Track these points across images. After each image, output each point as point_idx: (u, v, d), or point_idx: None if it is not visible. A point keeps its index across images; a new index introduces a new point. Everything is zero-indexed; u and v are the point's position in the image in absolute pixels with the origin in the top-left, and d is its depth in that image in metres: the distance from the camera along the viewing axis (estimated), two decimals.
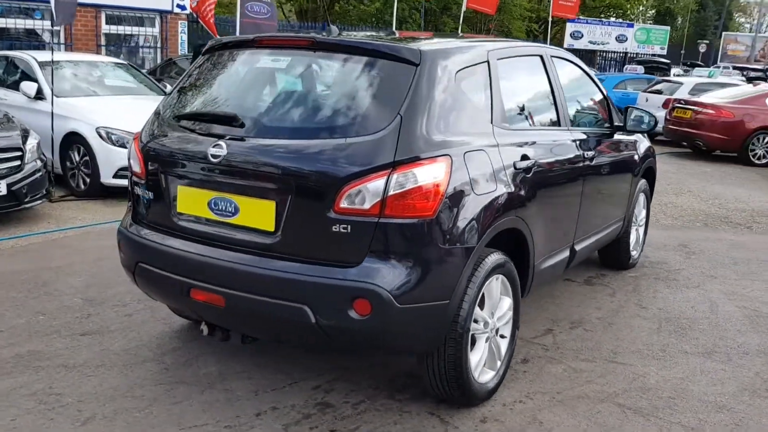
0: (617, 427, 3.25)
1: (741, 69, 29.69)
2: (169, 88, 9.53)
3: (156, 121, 3.47)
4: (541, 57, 4.09)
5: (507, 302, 3.44)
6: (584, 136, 4.32)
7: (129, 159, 3.52)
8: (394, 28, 18.84)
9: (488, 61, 3.44)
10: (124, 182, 7.39)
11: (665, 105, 15.12)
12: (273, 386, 3.49)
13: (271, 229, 2.95)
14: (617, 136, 4.88)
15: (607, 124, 4.84)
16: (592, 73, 4.99)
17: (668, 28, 36.27)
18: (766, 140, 13.24)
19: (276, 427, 3.13)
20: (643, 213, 5.83)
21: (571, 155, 4.06)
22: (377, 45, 3.11)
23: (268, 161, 2.94)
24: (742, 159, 13.16)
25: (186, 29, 13.89)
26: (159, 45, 13.74)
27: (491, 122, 3.34)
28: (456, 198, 2.95)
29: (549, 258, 3.91)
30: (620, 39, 31.64)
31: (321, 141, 2.90)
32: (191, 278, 3.11)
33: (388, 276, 2.80)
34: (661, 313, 4.80)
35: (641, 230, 5.85)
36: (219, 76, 3.52)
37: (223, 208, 3.06)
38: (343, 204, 2.80)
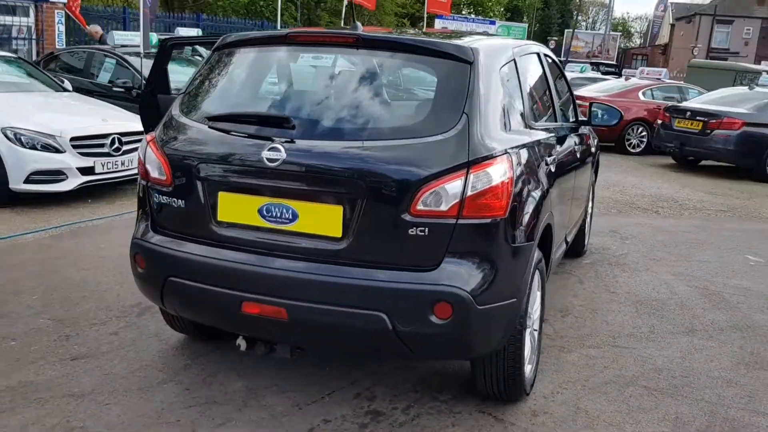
0: (654, 408, 3.41)
1: (594, 64, 31.85)
2: (67, 83, 8.80)
3: (176, 122, 3.20)
4: (538, 54, 4.19)
5: (539, 296, 3.51)
6: (571, 130, 4.50)
7: (144, 164, 3.22)
8: (278, 22, 18.49)
9: (515, 59, 3.48)
10: (39, 188, 6.84)
11: None
12: (311, 398, 3.34)
13: (338, 234, 2.81)
14: (582, 130, 5.11)
15: (573, 119, 5.05)
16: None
17: (526, 25, 38.21)
18: (639, 131, 14.34)
19: None
20: (591, 202, 6.15)
21: (570, 148, 4.21)
22: (428, 42, 3.05)
23: (336, 164, 2.80)
24: (618, 148, 14.17)
25: (63, 20, 12.83)
26: (34, 36, 12.60)
27: (524, 119, 3.38)
28: (519, 196, 2.96)
29: (558, 250, 4.03)
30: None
31: (390, 142, 2.81)
32: (244, 291, 2.90)
33: (467, 278, 2.76)
34: (631, 296, 5.09)
35: (589, 218, 6.17)
36: (248, 75, 3.30)
37: (279, 214, 2.88)
38: (420, 206, 2.73)
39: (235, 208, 2.97)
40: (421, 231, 2.74)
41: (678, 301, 5.03)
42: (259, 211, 2.91)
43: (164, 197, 3.13)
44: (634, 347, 4.15)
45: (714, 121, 11.60)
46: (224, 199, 2.98)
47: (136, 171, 7.49)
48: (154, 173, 3.17)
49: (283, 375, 3.55)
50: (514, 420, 3.24)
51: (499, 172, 2.82)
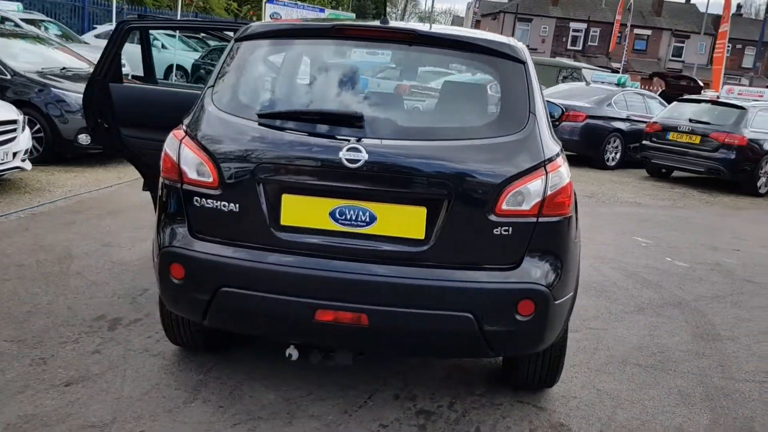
0: (656, 384, 3.73)
1: None
2: None
3: (216, 118, 2.92)
4: None
5: None
6: None
7: (178, 164, 2.91)
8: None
9: None
10: None
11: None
12: (354, 403, 3.25)
13: (421, 236, 2.76)
14: None
15: None
16: None
17: (354, 15, 38.62)
18: None
19: None
20: None
21: None
22: (483, 40, 3.04)
23: (422, 165, 2.73)
24: None
25: None
26: None
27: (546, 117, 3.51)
28: (574, 194, 3.09)
29: None
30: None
31: (469, 142, 2.79)
32: (318, 298, 2.75)
33: (545, 274, 2.84)
34: None
35: None
36: (292, 69, 3.10)
37: (354, 217, 2.76)
38: (506, 206, 2.76)
39: (303, 212, 2.79)
40: (505, 230, 2.77)
41: (612, 283, 5.49)
42: (331, 214, 2.77)
43: (209, 201, 2.86)
44: (606, 328, 4.48)
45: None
46: (289, 202, 2.79)
47: (11, 166, 6.69)
48: (192, 174, 2.88)
49: (312, 381, 3.40)
50: (552, 407, 3.38)
51: (566, 171, 2.92)
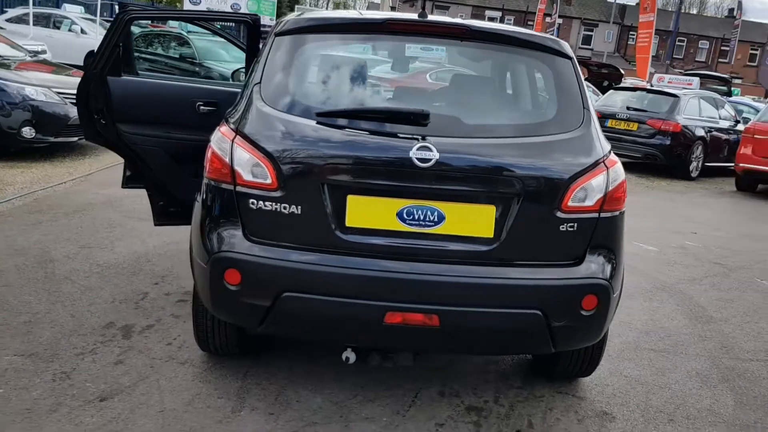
0: (675, 368, 3.87)
1: None
2: None
3: (270, 117, 2.79)
4: None
5: None
6: None
7: (230, 165, 2.77)
8: None
9: None
10: None
11: None
12: (404, 403, 3.21)
13: (490, 235, 2.75)
14: None
15: None
16: None
17: (275, 0, 37.93)
18: None
19: None
20: None
21: None
22: (533, 36, 3.04)
23: (493, 163, 2.71)
24: None
25: None
26: None
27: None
28: None
29: None
30: (234, 7, 32.09)
31: (533, 139, 2.80)
32: (387, 301, 2.70)
33: (605, 269, 2.89)
34: None
35: None
36: (345, 65, 2.99)
37: (422, 217, 2.72)
38: (572, 203, 2.78)
39: (369, 213, 2.72)
40: (570, 227, 2.79)
41: None
42: (399, 215, 2.71)
43: (267, 203, 2.74)
44: None
45: None
46: (355, 203, 2.72)
47: None
48: (247, 176, 2.76)
49: (352, 382, 3.35)
50: (591, 396, 3.46)
51: (620, 167, 2.97)
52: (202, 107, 4.10)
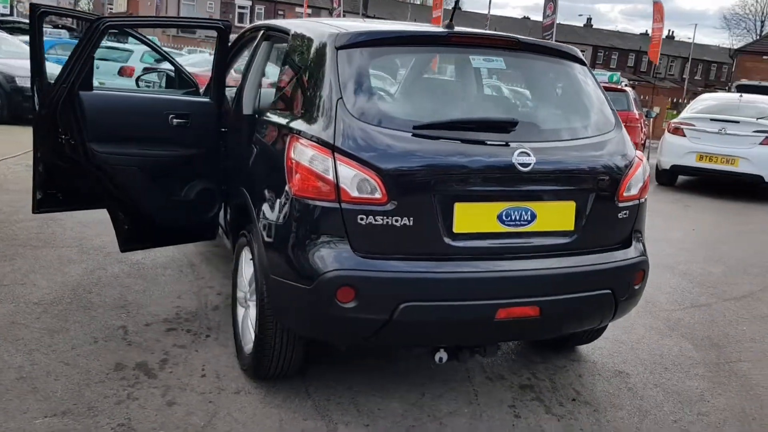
0: (637, 323, 4.52)
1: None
2: None
3: (367, 132, 2.79)
4: None
5: None
6: None
7: (337, 183, 2.74)
8: None
9: None
10: None
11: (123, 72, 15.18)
12: (469, 394, 3.42)
13: (571, 228, 3.05)
14: None
15: None
16: None
17: None
18: None
19: (542, 414, 3.28)
20: None
21: None
22: (561, 46, 3.38)
23: (576, 163, 3.01)
24: None
25: None
26: None
27: None
28: None
29: None
30: None
31: (594, 139, 3.15)
32: (497, 298, 2.89)
33: (643, 247, 3.36)
34: None
35: None
36: (418, 76, 3.05)
37: (518, 217, 2.94)
38: (626, 193, 3.20)
39: (474, 218, 2.88)
40: (624, 214, 3.21)
41: None
42: (499, 217, 2.91)
43: (378, 217, 2.76)
44: None
45: None
46: (462, 209, 2.85)
47: None
48: (354, 192, 2.75)
49: (411, 383, 3.45)
50: (600, 359, 3.94)
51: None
52: (175, 120, 3.85)
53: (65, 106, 3.52)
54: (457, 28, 3.16)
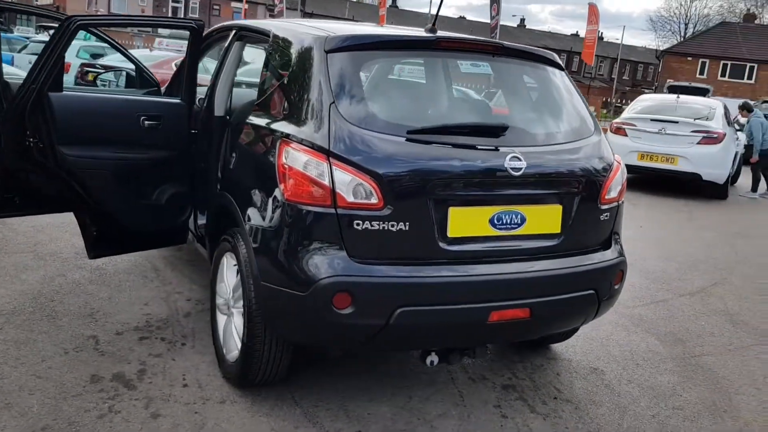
0: (604, 319, 4.64)
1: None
2: None
3: (361, 137, 2.77)
4: None
5: None
6: None
7: (333, 189, 2.71)
8: None
9: None
10: None
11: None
12: (454, 396, 3.45)
13: (557, 230, 3.10)
14: None
15: None
16: None
17: None
18: None
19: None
20: None
21: None
22: (543, 52, 3.43)
23: (563, 167, 3.05)
24: None
25: None
26: None
27: None
28: None
29: None
30: None
31: (577, 144, 3.20)
32: (490, 301, 2.92)
33: (621, 247, 3.44)
34: None
35: None
36: (407, 81, 3.04)
37: (509, 221, 2.98)
38: (607, 195, 3.27)
39: (467, 222, 2.90)
40: (605, 216, 3.29)
41: None
42: (491, 221, 2.94)
43: (374, 223, 2.75)
44: None
45: None
46: (456, 214, 2.87)
47: None
48: (350, 197, 2.73)
49: (396, 386, 3.46)
50: (575, 357, 4.03)
51: None
52: (146, 121, 3.75)
53: (34, 107, 3.37)
54: (441, 33, 3.17)
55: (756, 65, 44.18)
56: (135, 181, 3.77)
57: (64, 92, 3.48)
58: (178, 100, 3.92)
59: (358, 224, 2.73)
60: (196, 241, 4.24)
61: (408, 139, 2.83)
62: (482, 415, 3.28)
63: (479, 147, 2.91)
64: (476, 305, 2.88)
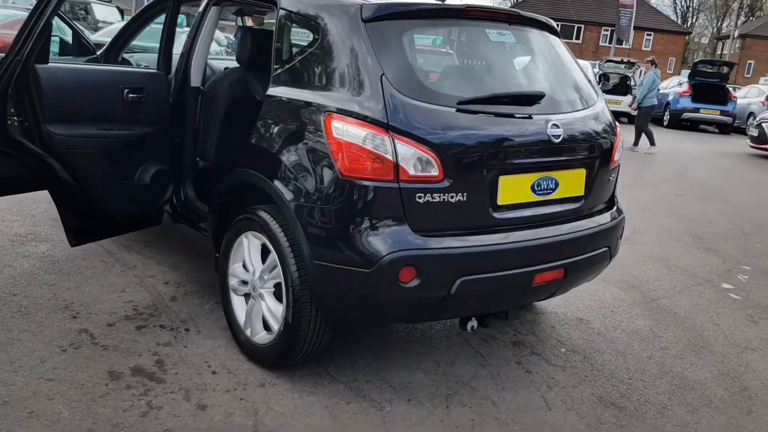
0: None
1: None
2: None
3: (415, 109, 2.74)
4: None
5: None
6: None
7: (396, 162, 2.68)
8: None
9: None
10: None
11: None
12: (481, 362, 3.58)
13: (581, 193, 3.26)
14: None
15: None
16: None
17: None
18: None
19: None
20: None
21: None
22: (548, 20, 3.53)
23: (591, 132, 3.20)
24: None
25: None
26: None
27: None
28: None
29: None
30: None
31: (593, 109, 3.37)
32: (536, 265, 3.04)
33: (620, 206, 3.69)
34: None
35: None
36: (451, 51, 3.01)
37: (546, 186, 3.09)
38: (615, 157, 3.48)
39: (514, 189, 2.97)
40: (612, 177, 3.50)
41: None
42: (532, 187, 3.05)
43: (435, 195, 2.75)
44: None
45: None
46: (505, 182, 2.93)
47: None
48: (412, 171, 2.71)
49: (420, 353, 3.52)
50: (561, 310, 4.28)
51: None
52: (130, 94, 3.48)
53: (19, 82, 2.99)
54: (467, 2, 3.18)
55: (583, 26, 47.54)
56: (121, 161, 3.49)
57: (50, 64, 3.12)
58: (157, 71, 3.64)
59: (420, 197, 2.72)
60: (174, 220, 4.01)
61: (458, 110, 2.84)
62: (510, 372, 3.43)
63: (520, 116, 2.98)
64: (524, 269, 2.99)
